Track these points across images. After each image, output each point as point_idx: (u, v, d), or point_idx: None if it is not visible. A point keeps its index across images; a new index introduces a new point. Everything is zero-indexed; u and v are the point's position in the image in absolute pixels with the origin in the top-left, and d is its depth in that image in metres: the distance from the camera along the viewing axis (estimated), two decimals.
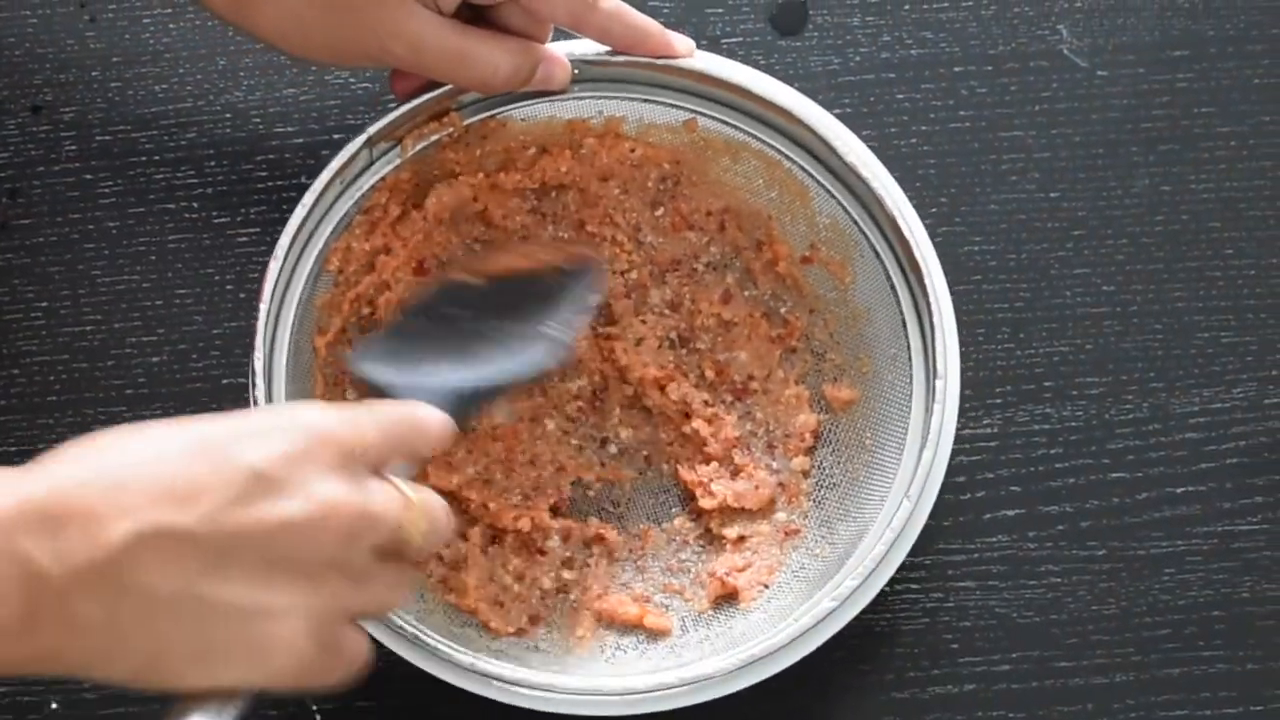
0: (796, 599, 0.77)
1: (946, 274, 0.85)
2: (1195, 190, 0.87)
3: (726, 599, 0.80)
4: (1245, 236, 0.86)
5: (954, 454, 0.83)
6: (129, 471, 0.58)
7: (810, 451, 0.82)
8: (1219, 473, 0.84)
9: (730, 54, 0.84)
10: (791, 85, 0.86)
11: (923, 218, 0.85)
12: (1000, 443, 0.84)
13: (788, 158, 0.80)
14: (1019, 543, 0.83)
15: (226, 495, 0.58)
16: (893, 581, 0.82)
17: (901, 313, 0.79)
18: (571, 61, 0.78)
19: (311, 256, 0.78)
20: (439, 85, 0.78)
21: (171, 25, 0.87)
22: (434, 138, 0.79)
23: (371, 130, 0.78)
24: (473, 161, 0.81)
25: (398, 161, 0.79)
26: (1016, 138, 0.87)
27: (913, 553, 0.82)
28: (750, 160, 0.82)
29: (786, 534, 0.81)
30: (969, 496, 0.83)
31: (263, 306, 0.76)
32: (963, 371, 0.84)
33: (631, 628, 0.80)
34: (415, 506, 0.63)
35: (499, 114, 0.80)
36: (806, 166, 0.80)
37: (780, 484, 0.82)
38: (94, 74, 0.86)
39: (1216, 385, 0.85)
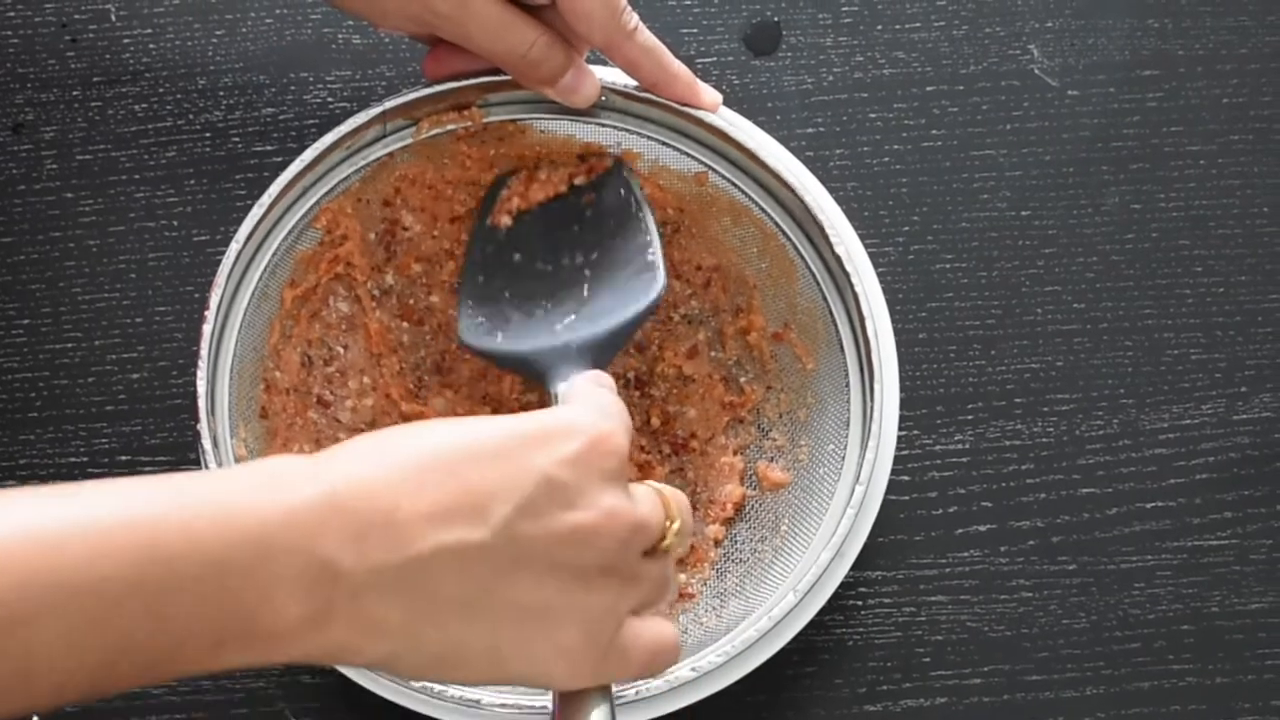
0: None
1: (919, 291, 0.86)
2: (1165, 208, 0.87)
3: None
4: (1214, 254, 0.87)
5: (926, 469, 0.84)
6: (423, 474, 0.59)
7: (728, 522, 0.82)
8: (1188, 488, 0.85)
9: (704, 74, 0.84)
10: (765, 105, 0.87)
11: (895, 235, 0.86)
12: (972, 459, 0.84)
13: (784, 233, 0.81)
14: (990, 557, 0.84)
15: (519, 503, 0.60)
16: (865, 596, 0.83)
17: (849, 411, 0.79)
18: (601, 88, 0.79)
19: (301, 210, 0.79)
20: (470, 76, 0.79)
21: (152, 45, 0.87)
22: (451, 127, 0.80)
23: (389, 104, 0.78)
24: (485, 159, 0.82)
25: (409, 141, 0.80)
26: (988, 156, 0.88)
27: (885, 567, 0.83)
28: (750, 226, 0.82)
29: (681, 596, 0.81)
30: (941, 512, 0.84)
31: (234, 246, 0.76)
32: (936, 388, 0.85)
33: None
34: (672, 506, 0.65)
35: (521, 120, 0.81)
36: (800, 247, 0.80)
37: (691, 546, 0.81)
38: (75, 93, 0.87)
39: (1186, 401, 0.85)
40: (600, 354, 0.75)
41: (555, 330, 0.77)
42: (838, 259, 0.78)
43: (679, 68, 0.79)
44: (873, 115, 0.88)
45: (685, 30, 0.88)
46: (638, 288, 0.78)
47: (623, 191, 0.81)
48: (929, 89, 0.88)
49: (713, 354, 0.84)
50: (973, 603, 0.83)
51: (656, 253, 0.79)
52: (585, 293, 0.79)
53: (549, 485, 0.60)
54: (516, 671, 0.61)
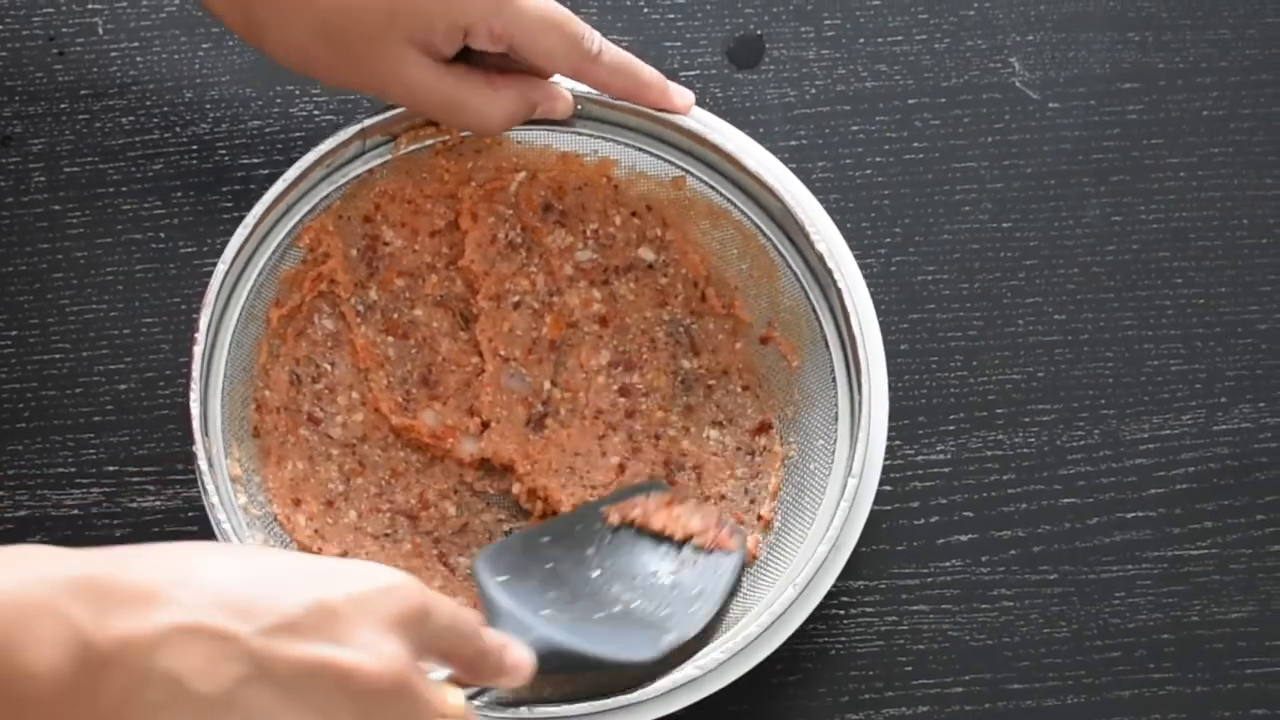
0: None
1: (901, 303, 0.86)
2: (1145, 220, 0.88)
3: None
4: (1194, 266, 0.87)
5: (908, 479, 0.85)
6: (200, 576, 0.58)
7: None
8: (1168, 498, 0.85)
9: (687, 87, 0.85)
10: (748, 117, 0.88)
11: (877, 247, 0.87)
12: (953, 469, 0.85)
13: (764, 233, 0.81)
14: (972, 567, 0.84)
15: (283, 619, 0.58)
16: (848, 605, 0.83)
17: (836, 406, 0.79)
18: (575, 98, 0.80)
19: (284, 229, 0.79)
20: None
21: (139, 58, 0.88)
22: (429, 142, 0.81)
23: (367, 122, 0.79)
24: (462, 172, 0.82)
25: (388, 157, 0.80)
26: (969, 169, 0.88)
27: (867, 577, 0.84)
28: (729, 228, 0.82)
29: None
30: (923, 521, 0.84)
31: (221, 266, 0.77)
32: (918, 399, 0.86)
33: None
34: (459, 712, 0.62)
35: None
36: (780, 246, 0.81)
37: None
38: (62, 106, 0.87)
39: (1166, 412, 0.86)
40: (550, 658, 0.70)
41: (541, 609, 0.74)
42: (819, 256, 0.79)
43: (649, 75, 0.79)
44: (855, 128, 0.88)
45: (668, 43, 0.89)
46: (632, 642, 0.75)
47: (718, 577, 0.78)
48: (911, 102, 0.89)
49: None
50: (954, 612, 0.84)
51: (672, 639, 0.75)
52: (600, 613, 0.76)
53: (320, 611, 0.58)
54: None
